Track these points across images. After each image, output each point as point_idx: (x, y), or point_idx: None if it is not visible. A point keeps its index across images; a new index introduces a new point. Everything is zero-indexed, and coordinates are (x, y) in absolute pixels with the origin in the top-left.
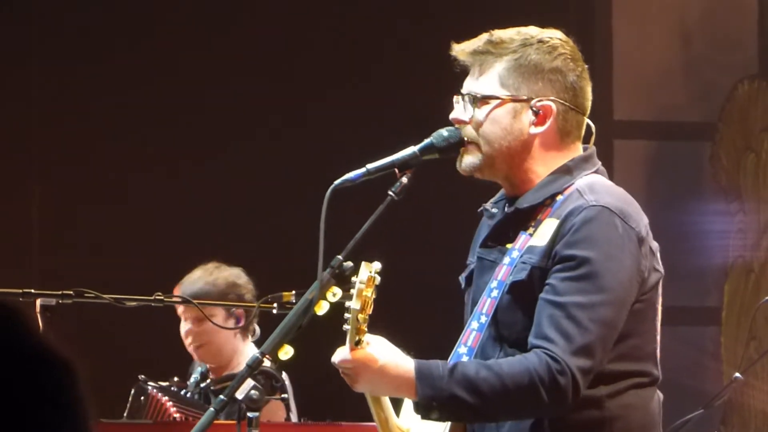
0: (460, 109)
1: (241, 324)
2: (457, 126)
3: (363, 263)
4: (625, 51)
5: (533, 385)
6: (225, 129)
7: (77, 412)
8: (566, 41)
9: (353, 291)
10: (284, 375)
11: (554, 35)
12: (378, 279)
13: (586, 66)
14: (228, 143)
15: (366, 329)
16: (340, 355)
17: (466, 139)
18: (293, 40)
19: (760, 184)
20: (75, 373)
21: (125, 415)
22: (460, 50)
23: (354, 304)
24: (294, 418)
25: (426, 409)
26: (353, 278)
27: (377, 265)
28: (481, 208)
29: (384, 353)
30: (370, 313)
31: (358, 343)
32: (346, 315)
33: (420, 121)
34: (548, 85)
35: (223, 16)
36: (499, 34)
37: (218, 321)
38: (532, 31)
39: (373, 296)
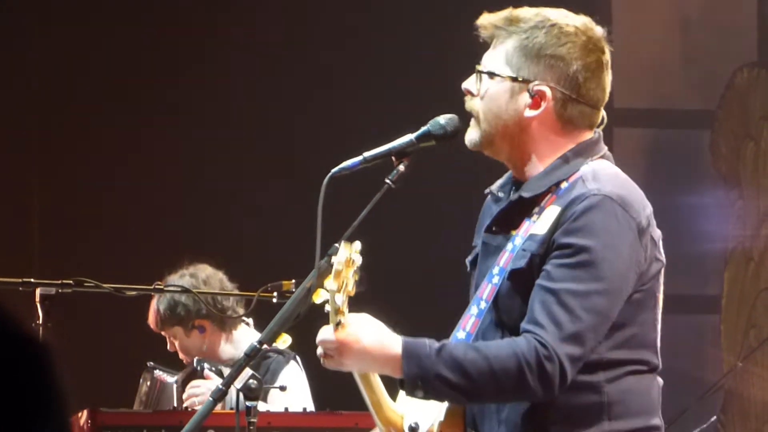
0: (472, 80)
1: (206, 333)
2: (466, 95)
3: (342, 242)
4: (624, 39)
5: (520, 369)
6: (220, 119)
7: (54, 399)
8: (585, 30)
9: (332, 271)
10: (294, 361)
11: (574, 22)
12: (358, 259)
13: (607, 57)
14: (223, 132)
15: (346, 310)
16: (323, 334)
17: (469, 110)
18: (292, 34)
19: (759, 172)
20: (51, 360)
21: (138, 402)
22: (484, 20)
23: (330, 284)
24: (307, 404)
25: (411, 387)
26: (333, 258)
27: (357, 245)
28: (488, 190)
29: (367, 331)
30: (352, 294)
31: (338, 324)
32: (326, 296)
33: (417, 108)
34: (548, 70)
35: (223, 21)
36: (518, 11)
37: (181, 338)
38: (552, 14)
39: (356, 277)
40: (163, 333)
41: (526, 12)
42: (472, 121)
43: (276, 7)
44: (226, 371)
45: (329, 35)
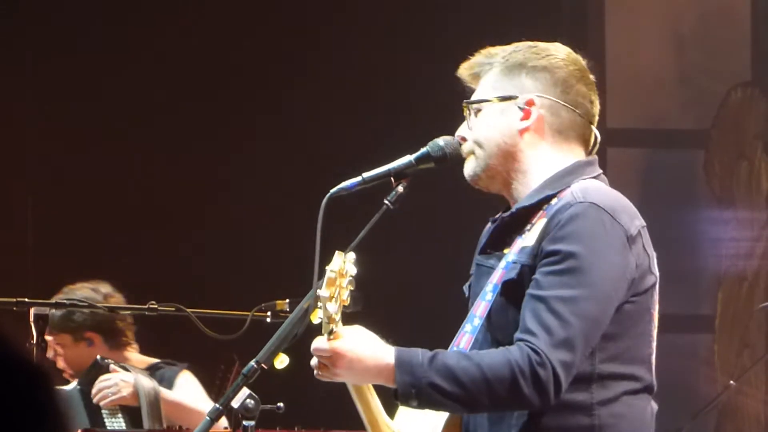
0: (464, 126)
1: (94, 347)
2: (461, 142)
3: (336, 252)
4: (618, 59)
5: (513, 377)
6: (222, 135)
7: (52, 423)
8: (563, 48)
9: (324, 279)
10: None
11: (554, 45)
12: (352, 270)
13: (591, 76)
14: (223, 150)
15: (338, 320)
16: (316, 344)
17: (466, 151)
18: (291, 51)
19: (753, 192)
20: (48, 383)
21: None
22: (462, 70)
23: (323, 292)
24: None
25: (405, 397)
26: (326, 267)
27: (351, 256)
28: (489, 219)
29: (360, 341)
30: (346, 304)
31: (331, 333)
32: (319, 304)
33: (417, 129)
34: (534, 82)
35: (227, 30)
36: (493, 48)
37: (68, 347)
38: (530, 42)
39: (350, 287)
40: (49, 338)
41: (500, 47)
42: (470, 157)
43: (272, 29)
44: (131, 368)
45: (328, 53)
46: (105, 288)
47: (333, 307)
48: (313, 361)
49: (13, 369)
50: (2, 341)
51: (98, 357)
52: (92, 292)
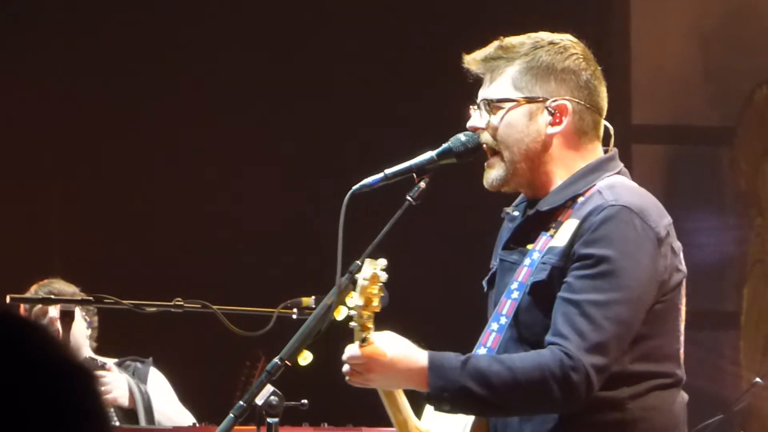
0: (477, 117)
1: (90, 331)
2: (478, 134)
3: (367, 260)
4: (643, 55)
5: (545, 381)
6: (249, 135)
7: (95, 422)
8: (576, 43)
9: (357, 288)
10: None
11: (564, 37)
12: (383, 276)
13: (599, 67)
14: (249, 148)
15: (371, 326)
16: (350, 351)
17: (484, 145)
18: (310, 47)
19: None
20: (92, 383)
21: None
22: (472, 59)
23: (356, 300)
24: (176, 402)
25: (437, 401)
26: (357, 275)
27: (382, 262)
28: (503, 212)
29: (393, 346)
30: (377, 310)
31: (364, 340)
32: (352, 312)
33: (439, 125)
34: (562, 85)
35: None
36: (509, 39)
37: (78, 323)
38: (542, 35)
39: (381, 293)
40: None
41: (515, 39)
42: (492, 160)
43: (292, 33)
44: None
45: (350, 53)
46: (58, 285)
47: (366, 315)
48: (345, 368)
49: (61, 371)
50: (49, 342)
51: (89, 357)
52: (66, 287)
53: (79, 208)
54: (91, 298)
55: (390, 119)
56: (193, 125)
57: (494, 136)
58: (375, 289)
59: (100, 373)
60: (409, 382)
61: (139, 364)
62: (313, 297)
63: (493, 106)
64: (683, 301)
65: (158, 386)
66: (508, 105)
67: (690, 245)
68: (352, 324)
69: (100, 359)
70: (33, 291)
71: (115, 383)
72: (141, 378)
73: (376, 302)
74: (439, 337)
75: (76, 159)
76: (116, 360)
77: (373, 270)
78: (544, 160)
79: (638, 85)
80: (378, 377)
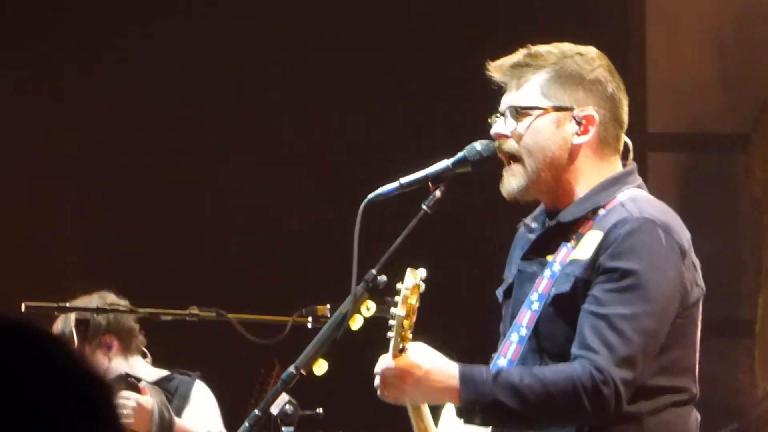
0: (501, 124)
1: (112, 350)
2: (498, 141)
3: (408, 269)
4: (658, 62)
5: (576, 394)
6: (263, 140)
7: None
8: (601, 55)
9: (398, 297)
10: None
11: (590, 49)
12: (423, 286)
13: (621, 80)
14: (260, 157)
15: (410, 336)
16: (384, 363)
17: (508, 153)
18: (319, 56)
19: None
20: (110, 392)
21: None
22: (498, 66)
23: (399, 310)
24: (217, 420)
25: (469, 414)
26: (398, 285)
27: (422, 272)
28: (520, 223)
29: (427, 358)
30: (414, 320)
31: (402, 350)
32: (391, 322)
33: (454, 134)
34: (589, 95)
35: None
36: (536, 48)
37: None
38: (569, 45)
39: (417, 304)
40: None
41: (542, 47)
42: (513, 167)
43: (304, 37)
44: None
45: (363, 60)
46: (111, 297)
47: (408, 325)
48: (377, 381)
49: (79, 380)
50: (68, 352)
51: (124, 373)
52: (100, 300)
53: (94, 216)
54: (105, 306)
55: (412, 127)
56: (211, 133)
57: (519, 143)
58: (415, 300)
59: (124, 395)
60: (441, 395)
61: (186, 378)
62: (328, 305)
63: (520, 113)
64: (700, 316)
65: (198, 403)
66: (535, 112)
67: (703, 253)
68: (390, 334)
69: (138, 376)
70: (86, 301)
71: (138, 410)
72: (183, 394)
73: (414, 313)
74: (450, 347)
75: (90, 165)
76: (165, 373)
77: (414, 281)
78: (568, 169)
79: (654, 93)
80: (412, 389)
